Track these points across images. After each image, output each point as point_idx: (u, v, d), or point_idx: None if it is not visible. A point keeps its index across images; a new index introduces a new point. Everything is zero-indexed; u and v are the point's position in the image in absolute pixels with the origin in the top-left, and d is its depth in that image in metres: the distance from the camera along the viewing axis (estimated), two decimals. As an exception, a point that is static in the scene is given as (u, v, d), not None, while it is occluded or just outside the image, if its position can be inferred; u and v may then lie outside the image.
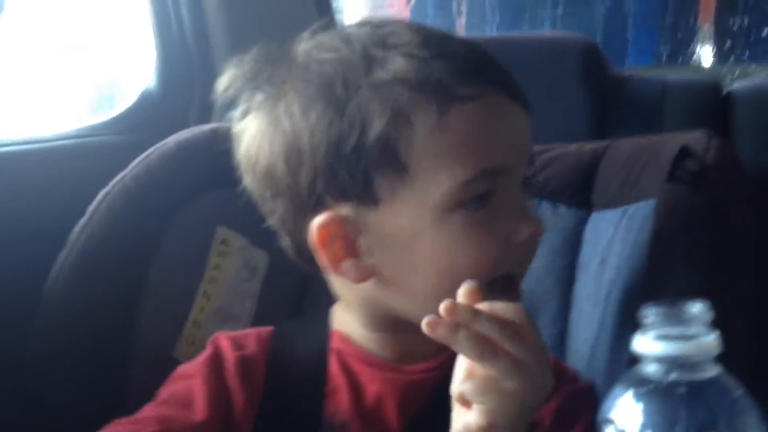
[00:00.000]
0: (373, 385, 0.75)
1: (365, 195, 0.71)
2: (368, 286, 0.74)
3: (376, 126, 0.69)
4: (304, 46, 0.76)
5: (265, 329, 0.82)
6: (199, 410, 0.74)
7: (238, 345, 0.78)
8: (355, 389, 0.75)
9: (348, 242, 0.72)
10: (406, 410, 0.74)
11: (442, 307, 0.61)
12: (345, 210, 0.72)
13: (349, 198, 0.71)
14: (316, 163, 0.71)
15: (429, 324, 0.61)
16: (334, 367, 0.76)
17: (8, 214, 0.98)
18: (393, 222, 0.71)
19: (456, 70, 0.70)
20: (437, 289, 0.68)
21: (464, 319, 0.61)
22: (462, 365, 0.62)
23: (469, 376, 0.61)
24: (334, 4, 1.48)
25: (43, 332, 0.85)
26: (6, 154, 1.07)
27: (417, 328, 0.63)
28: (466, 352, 0.61)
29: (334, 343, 0.78)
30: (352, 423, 0.73)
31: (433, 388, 0.74)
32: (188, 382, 0.76)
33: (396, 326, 0.75)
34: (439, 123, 0.69)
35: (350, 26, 0.78)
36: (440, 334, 0.61)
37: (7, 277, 0.93)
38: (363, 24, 0.76)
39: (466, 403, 0.62)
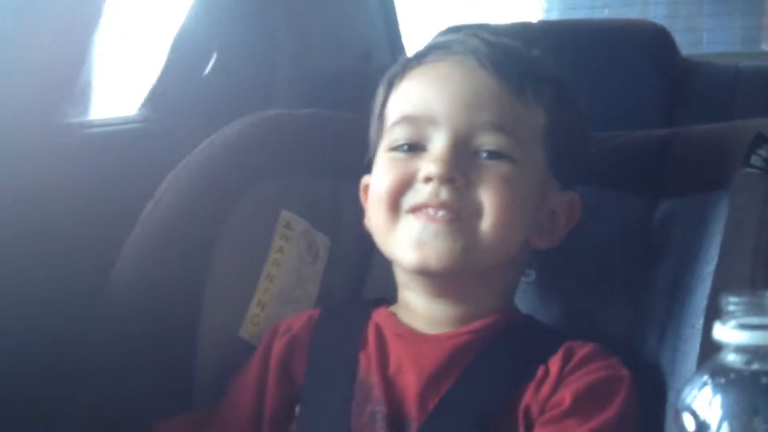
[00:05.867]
0: (396, 352, 0.80)
1: (373, 157, 0.85)
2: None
3: (379, 96, 0.85)
4: None
5: (317, 311, 0.89)
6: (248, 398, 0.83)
7: (287, 327, 0.86)
8: (383, 356, 0.80)
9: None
10: (422, 372, 0.77)
11: None
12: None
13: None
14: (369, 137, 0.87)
15: None
16: (371, 337, 0.82)
17: (77, 194, 1.00)
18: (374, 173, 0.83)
19: (440, 46, 0.82)
20: (370, 218, 0.83)
21: None
22: None
23: None
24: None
25: (111, 312, 0.86)
26: (74, 135, 1.09)
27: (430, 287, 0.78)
28: None
29: (377, 318, 0.84)
30: (377, 383, 0.78)
31: (450, 353, 0.77)
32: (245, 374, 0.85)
33: (410, 282, 0.83)
34: (399, 83, 0.83)
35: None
36: None
37: (78, 259, 0.95)
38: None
39: None
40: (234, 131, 0.96)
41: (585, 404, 0.72)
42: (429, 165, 0.76)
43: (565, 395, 0.73)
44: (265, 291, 0.91)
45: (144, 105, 1.24)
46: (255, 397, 0.83)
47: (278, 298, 0.91)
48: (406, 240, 0.77)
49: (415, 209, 0.77)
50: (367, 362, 0.80)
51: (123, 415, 0.82)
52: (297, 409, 0.81)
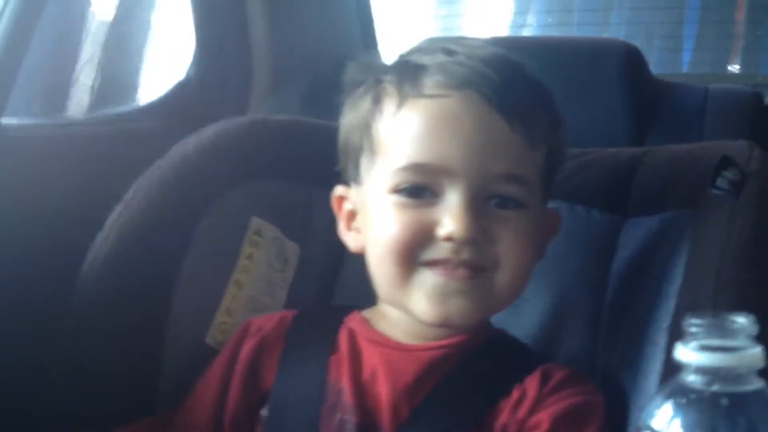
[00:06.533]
0: (370, 360, 0.79)
1: (356, 174, 0.82)
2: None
3: (364, 109, 0.81)
4: None
5: (291, 312, 0.88)
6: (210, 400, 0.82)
7: (258, 328, 0.85)
8: (356, 362, 0.79)
9: (350, 217, 0.84)
10: (397, 383, 0.77)
11: None
12: (349, 188, 0.84)
13: (350, 176, 0.83)
14: (341, 144, 0.84)
15: None
16: (343, 342, 0.81)
17: (45, 197, 0.99)
18: (367, 199, 0.81)
19: (437, 72, 0.77)
20: (376, 263, 0.79)
21: None
22: None
23: None
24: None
25: (77, 317, 0.85)
26: (44, 137, 1.08)
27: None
28: None
29: (350, 323, 0.83)
30: (348, 390, 0.77)
31: (426, 365, 0.77)
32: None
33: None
34: (397, 113, 0.78)
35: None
36: None
37: (44, 262, 0.94)
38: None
39: None
40: (207, 136, 0.96)
41: (563, 428, 0.73)
42: (451, 225, 0.74)
43: (543, 418, 0.73)
44: (233, 298, 0.91)
45: (117, 106, 1.24)
46: (217, 397, 0.82)
47: (246, 306, 0.91)
48: (425, 295, 0.76)
49: (432, 263, 0.76)
50: (338, 367, 0.79)
51: (87, 419, 0.81)
52: (263, 412, 0.80)
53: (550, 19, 2.92)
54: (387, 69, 0.81)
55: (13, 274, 0.92)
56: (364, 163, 0.81)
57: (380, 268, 0.79)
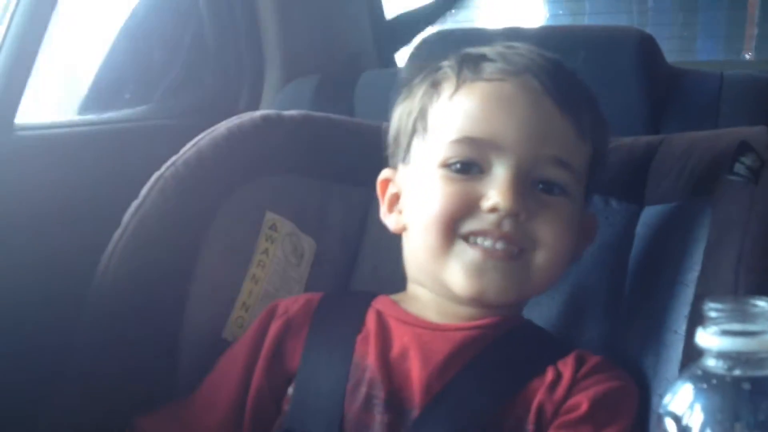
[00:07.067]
0: (400, 339, 0.79)
1: (405, 155, 0.84)
2: (404, 241, 0.84)
3: (419, 95, 0.83)
4: None
5: (318, 294, 0.88)
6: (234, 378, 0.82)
7: (285, 309, 0.85)
8: (384, 339, 0.80)
9: (393, 200, 0.85)
10: (428, 361, 0.77)
11: None
12: (396, 171, 0.85)
13: (398, 159, 0.85)
14: (392, 132, 0.86)
15: None
16: (371, 321, 0.82)
17: (60, 195, 0.99)
18: (414, 175, 0.82)
19: (497, 59, 0.79)
20: (417, 236, 0.80)
21: None
22: None
23: None
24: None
25: (95, 312, 0.85)
26: (60, 135, 1.09)
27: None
28: None
29: (377, 305, 0.83)
30: (374, 367, 0.78)
31: (459, 344, 0.77)
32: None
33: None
34: (453, 96, 0.80)
35: None
36: None
37: (60, 259, 0.95)
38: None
39: None
40: (221, 132, 0.96)
41: (601, 411, 0.73)
42: (496, 196, 0.76)
43: (582, 400, 0.74)
44: (250, 293, 0.91)
45: (128, 105, 1.24)
46: (243, 376, 0.82)
47: (263, 300, 0.91)
48: (463, 268, 0.77)
49: (471, 235, 0.77)
50: (364, 346, 0.79)
51: (105, 413, 0.82)
52: (290, 390, 0.81)
53: (560, 12, 2.92)
54: (447, 58, 0.83)
55: (29, 272, 0.93)
56: (414, 143, 0.83)
57: (422, 241, 0.80)
